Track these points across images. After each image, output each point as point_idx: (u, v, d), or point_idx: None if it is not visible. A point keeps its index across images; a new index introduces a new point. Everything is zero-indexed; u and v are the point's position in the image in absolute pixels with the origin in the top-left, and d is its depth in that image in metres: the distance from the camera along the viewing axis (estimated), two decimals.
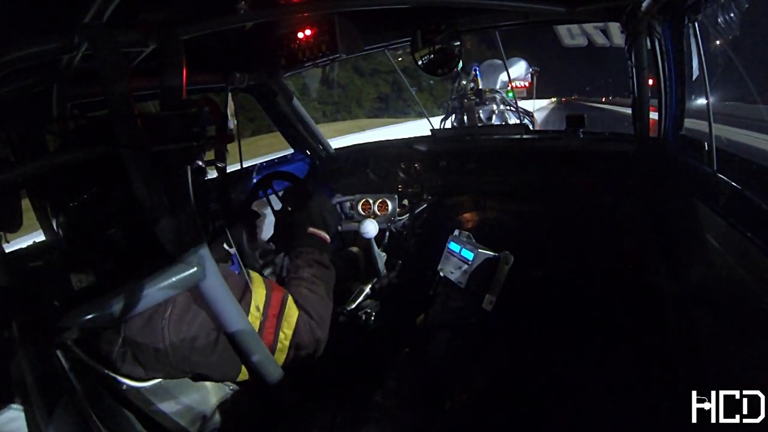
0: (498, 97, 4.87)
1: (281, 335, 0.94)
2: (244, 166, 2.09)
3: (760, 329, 0.79)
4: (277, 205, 1.70)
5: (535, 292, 1.43)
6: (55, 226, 0.78)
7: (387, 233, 1.77)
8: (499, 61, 5.24)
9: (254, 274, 0.96)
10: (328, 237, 1.20)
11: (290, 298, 0.98)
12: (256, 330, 0.89)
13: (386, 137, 2.37)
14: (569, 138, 1.76)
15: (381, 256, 1.50)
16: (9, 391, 0.60)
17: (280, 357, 0.94)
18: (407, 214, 1.84)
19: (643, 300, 1.34)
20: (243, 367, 0.89)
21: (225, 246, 0.95)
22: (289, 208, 1.61)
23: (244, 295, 0.89)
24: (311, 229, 1.19)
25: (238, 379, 0.91)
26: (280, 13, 1.37)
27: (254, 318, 0.89)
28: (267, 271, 1.47)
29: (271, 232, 1.69)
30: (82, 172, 0.75)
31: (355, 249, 1.62)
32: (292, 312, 0.96)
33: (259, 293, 0.92)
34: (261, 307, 0.91)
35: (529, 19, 1.60)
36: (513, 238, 1.70)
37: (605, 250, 1.56)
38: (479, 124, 4.53)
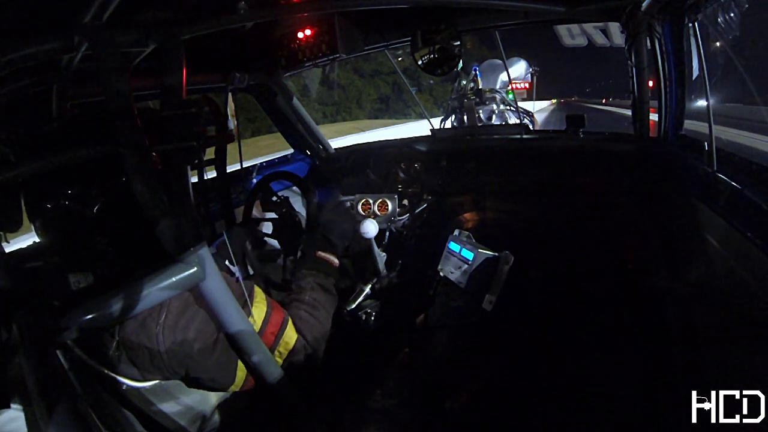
0: (498, 97, 4.88)
1: (276, 353, 0.94)
2: (244, 166, 2.08)
3: (760, 329, 0.79)
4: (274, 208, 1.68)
5: (535, 292, 1.43)
6: (34, 230, 0.78)
7: (387, 233, 1.77)
8: (499, 61, 5.26)
9: (257, 289, 0.97)
10: (336, 260, 1.21)
11: (290, 321, 0.98)
12: None
13: (386, 138, 2.37)
14: (569, 138, 1.76)
15: (381, 256, 1.50)
16: (9, 391, 0.60)
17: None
18: (407, 214, 1.84)
19: (643, 300, 1.34)
20: (237, 379, 0.89)
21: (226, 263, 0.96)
22: (297, 219, 1.59)
23: (242, 308, 0.88)
24: (319, 253, 1.19)
25: (231, 389, 0.90)
26: (280, 13, 1.37)
27: None
28: (268, 267, 1.47)
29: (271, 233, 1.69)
30: (62, 172, 0.74)
31: (345, 261, 1.60)
32: (291, 334, 0.97)
33: (258, 310, 0.92)
34: (259, 324, 0.91)
35: (529, 19, 1.60)
36: (513, 238, 1.70)
37: (605, 249, 1.56)
38: (479, 124, 4.53)
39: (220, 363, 0.85)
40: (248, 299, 0.91)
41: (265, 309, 0.94)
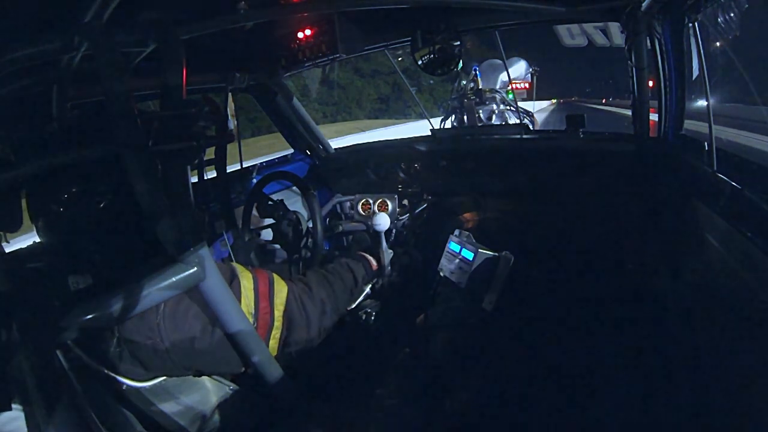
0: (498, 97, 4.88)
1: (276, 313, 0.95)
2: (244, 166, 2.09)
3: (760, 329, 0.79)
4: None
5: (535, 292, 1.43)
6: (36, 230, 0.78)
7: (393, 231, 1.77)
8: (499, 61, 5.25)
9: (236, 264, 0.97)
10: (375, 263, 1.27)
11: (276, 276, 1.00)
12: (253, 312, 0.90)
13: (386, 138, 2.37)
14: (569, 138, 1.75)
15: (388, 253, 1.51)
16: (9, 391, 0.60)
17: (276, 334, 0.94)
18: (407, 214, 1.84)
19: (643, 300, 1.34)
20: None
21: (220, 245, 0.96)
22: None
23: (232, 282, 0.89)
24: (359, 252, 1.26)
25: (244, 370, 0.91)
26: (280, 13, 1.37)
27: (248, 300, 0.90)
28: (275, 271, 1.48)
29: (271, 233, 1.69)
30: (67, 171, 0.75)
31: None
32: (280, 287, 0.98)
33: (246, 279, 0.93)
34: (251, 289, 0.92)
35: (529, 19, 1.60)
36: (513, 238, 1.70)
37: (605, 249, 1.56)
38: (479, 124, 4.53)
39: (223, 346, 0.85)
40: (235, 271, 0.92)
41: (250, 275, 0.95)
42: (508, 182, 1.82)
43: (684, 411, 1.02)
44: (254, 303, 0.91)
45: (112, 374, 0.76)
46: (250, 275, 0.94)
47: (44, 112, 1.11)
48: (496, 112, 4.75)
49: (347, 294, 1.16)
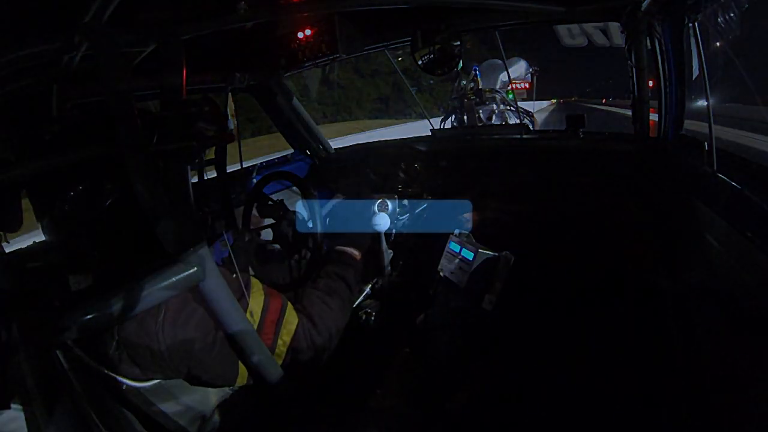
0: (498, 97, 4.89)
1: (279, 342, 0.93)
2: (244, 166, 2.09)
3: (760, 329, 0.79)
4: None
5: (536, 292, 1.43)
6: (41, 228, 0.77)
7: (393, 231, 1.77)
8: (499, 61, 5.27)
9: (253, 280, 0.96)
10: (357, 253, 1.20)
11: (289, 305, 0.97)
12: None
13: (386, 138, 2.37)
14: (569, 138, 1.75)
15: (388, 253, 1.50)
16: (9, 391, 0.60)
17: (277, 360, 0.93)
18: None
19: (643, 300, 1.34)
20: (242, 371, 0.89)
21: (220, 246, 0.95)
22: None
23: (239, 301, 0.88)
24: (339, 247, 1.20)
25: (237, 384, 0.90)
26: (280, 13, 1.37)
27: (252, 322, 0.88)
28: (275, 271, 1.47)
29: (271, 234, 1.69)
30: (72, 169, 0.74)
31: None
32: (291, 319, 0.96)
33: (256, 299, 0.92)
34: (258, 313, 0.91)
35: (529, 19, 1.60)
36: (513, 238, 1.70)
37: (605, 249, 1.56)
38: (479, 124, 4.54)
39: (222, 357, 0.84)
40: (245, 291, 0.90)
41: (262, 298, 0.93)
42: (508, 182, 1.82)
43: (684, 411, 1.02)
44: (257, 327, 0.89)
45: (112, 374, 0.76)
46: (262, 299, 0.93)
47: (44, 112, 1.11)
48: (496, 112, 4.76)
49: (348, 307, 1.12)
